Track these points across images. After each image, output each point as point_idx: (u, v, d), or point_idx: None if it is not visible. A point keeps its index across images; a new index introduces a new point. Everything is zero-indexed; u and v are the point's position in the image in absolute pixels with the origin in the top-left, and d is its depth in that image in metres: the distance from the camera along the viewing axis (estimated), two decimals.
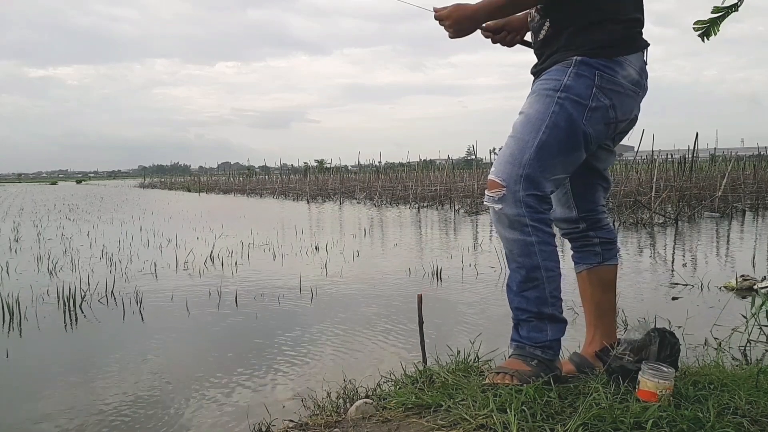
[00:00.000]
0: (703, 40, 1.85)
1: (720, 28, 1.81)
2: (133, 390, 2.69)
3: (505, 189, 1.71)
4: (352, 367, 2.87)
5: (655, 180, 11.39)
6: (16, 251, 7.69)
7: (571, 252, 2.06)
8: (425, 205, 16.03)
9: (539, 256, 1.73)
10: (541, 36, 1.84)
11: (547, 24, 1.81)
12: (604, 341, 1.91)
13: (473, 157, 17.36)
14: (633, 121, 1.84)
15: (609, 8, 1.74)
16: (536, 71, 1.87)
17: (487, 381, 1.70)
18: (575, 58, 1.73)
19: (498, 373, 1.70)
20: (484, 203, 1.79)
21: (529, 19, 1.91)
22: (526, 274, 1.74)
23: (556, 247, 1.79)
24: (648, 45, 1.80)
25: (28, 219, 13.67)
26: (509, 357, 1.78)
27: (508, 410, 1.44)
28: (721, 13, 1.77)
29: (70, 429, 2.31)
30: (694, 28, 1.85)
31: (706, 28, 1.82)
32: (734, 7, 1.74)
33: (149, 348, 3.40)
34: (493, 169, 1.78)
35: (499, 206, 1.72)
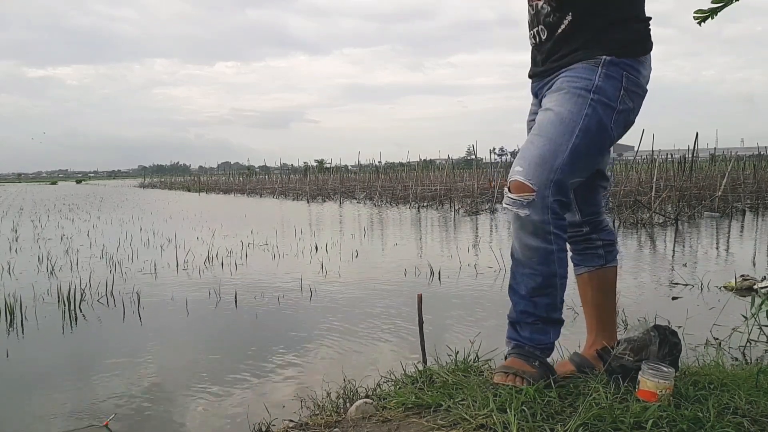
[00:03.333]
0: (699, 24, 1.86)
1: (718, 14, 1.81)
2: (133, 390, 2.68)
3: (535, 194, 1.61)
4: (352, 367, 2.87)
5: (655, 180, 11.39)
6: (16, 251, 7.69)
7: (571, 254, 1.97)
8: (425, 205, 16.02)
9: (557, 265, 1.68)
10: (559, 31, 1.73)
11: (569, 18, 1.72)
12: (606, 343, 1.89)
13: (473, 157, 17.36)
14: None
15: (632, 6, 1.72)
16: (551, 68, 1.78)
17: (495, 380, 1.68)
18: (604, 57, 1.67)
19: (505, 373, 1.67)
20: (505, 206, 1.67)
21: (533, 12, 1.81)
22: (542, 281, 1.68)
23: (567, 253, 1.77)
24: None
25: (28, 219, 13.67)
26: (509, 356, 1.75)
27: (508, 410, 1.44)
28: (720, 4, 1.77)
29: (70, 429, 2.31)
30: (694, 17, 1.85)
31: (706, 17, 1.82)
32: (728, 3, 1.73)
33: (149, 348, 3.40)
34: (519, 169, 1.65)
35: (526, 212, 1.62)
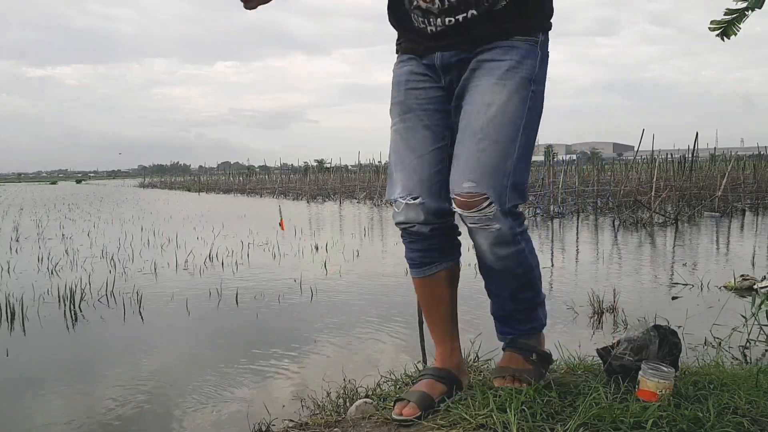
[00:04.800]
0: (723, 40, 1.85)
1: (741, 27, 1.80)
2: (133, 389, 2.69)
3: (495, 206, 1.46)
4: (352, 367, 2.87)
5: (655, 180, 11.39)
6: (16, 251, 7.70)
7: (422, 254, 1.67)
8: None
9: (531, 259, 1.60)
10: (503, 4, 1.47)
11: None
12: (457, 349, 1.74)
13: None
14: None
15: None
16: (478, 36, 1.50)
17: (495, 384, 1.64)
18: (540, 36, 1.53)
19: (503, 377, 1.64)
20: (472, 226, 1.50)
21: None
22: (524, 280, 1.61)
23: None
24: None
25: (29, 218, 13.67)
26: (504, 350, 1.71)
27: (508, 410, 1.44)
28: (735, 15, 1.77)
29: (70, 428, 2.31)
30: (710, 29, 1.84)
31: (724, 29, 1.81)
32: (747, 10, 1.73)
33: (149, 347, 3.40)
34: (471, 184, 1.46)
35: (497, 226, 1.48)
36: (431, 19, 1.53)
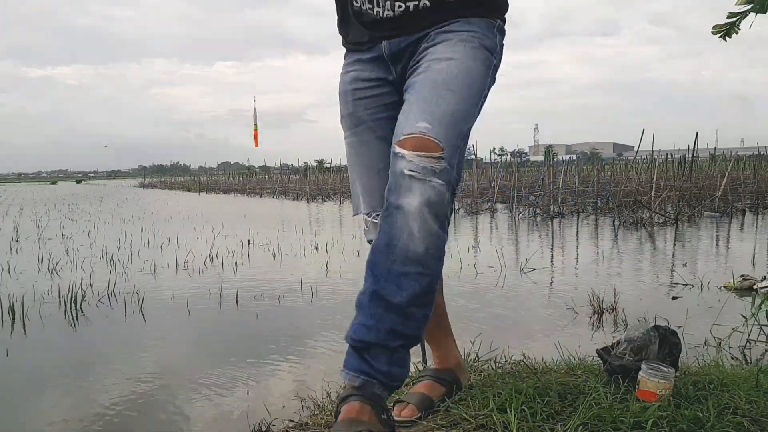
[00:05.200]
0: (724, 39, 1.86)
1: (740, 27, 1.82)
2: (133, 389, 2.69)
3: (445, 160, 1.25)
4: None
5: (655, 180, 11.40)
6: (16, 251, 7.70)
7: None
8: None
9: (442, 259, 1.32)
10: None
11: None
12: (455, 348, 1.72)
13: (473, 156, 17.34)
14: None
15: None
16: (432, 20, 1.38)
17: None
18: (499, 21, 1.45)
19: None
20: (410, 172, 1.23)
21: None
22: (429, 284, 1.28)
23: None
24: None
25: (29, 218, 13.67)
26: (349, 398, 1.28)
27: (508, 410, 1.44)
28: (736, 18, 1.78)
29: (70, 428, 2.31)
30: (713, 32, 1.86)
31: (726, 30, 1.82)
32: (749, 12, 1.74)
33: (149, 347, 3.40)
34: (426, 125, 1.26)
35: (438, 182, 1.23)
36: (380, 0, 1.39)
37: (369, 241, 1.53)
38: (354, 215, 1.59)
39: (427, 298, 1.30)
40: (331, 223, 11.62)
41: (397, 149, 1.27)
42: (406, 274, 1.25)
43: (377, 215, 1.46)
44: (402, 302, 1.26)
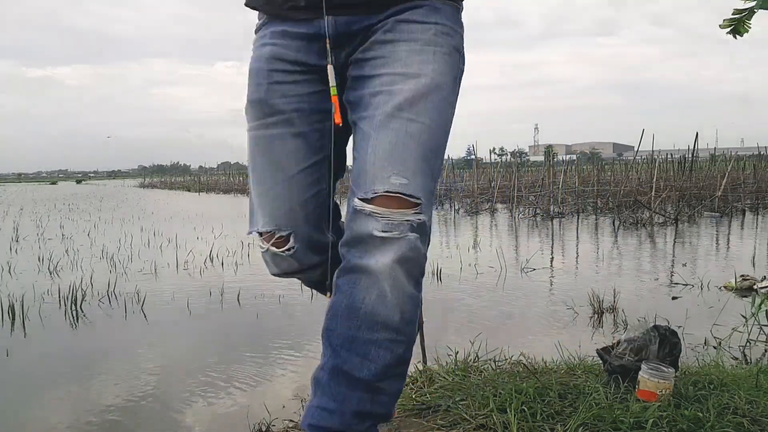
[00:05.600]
0: (735, 37, 1.86)
1: (752, 24, 1.81)
2: (134, 389, 2.69)
3: (423, 213, 1.05)
4: None
5: (655, 180, 11.40)
6: (16, 251, 7.70)
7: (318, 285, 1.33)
8: None
9: (417, 322, 1.12)
10: None
11: None
12: None
13: (473, 157, 17.36)
14: None
15: None
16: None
17: None
18: (461, 5, 1.17)
19: None
20: (381, 234, 1.02)
21: None
22: (404, 351, 1.08)
23: None
24: None
25: (29, 218, 13.67)
26: None
27: (508, 410, 1.44)
28: (744, 13, 1.78)
29: (70, 428, 2.31)
30: (721, 26, 1.85)
31: (734, 26, 1.82)
32: (757, 8, 1.74)
33: (149, 347, 3.40)
34: (403, 180, 1.03)
35: (414, 235, 1.03)
36: None
37: (274, 275, 1.25)
38: (249, 232, 1.22)
39: (401, 369, 1.08)
40: None
41: (366, 208, 1.03)
42: (374, 342, 1.03)
43: (280, 235, 1.16)
44: (370, 377, 1.03)
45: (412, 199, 1.03)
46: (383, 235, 1.02)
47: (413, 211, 1.03)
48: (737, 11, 1.77)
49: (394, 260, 1.03)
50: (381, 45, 1.09)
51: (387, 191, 1.02)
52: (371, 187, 1.04)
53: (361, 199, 1.05)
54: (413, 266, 1.05)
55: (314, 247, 1.21)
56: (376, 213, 1.03)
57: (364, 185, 1.05)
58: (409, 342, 1.09)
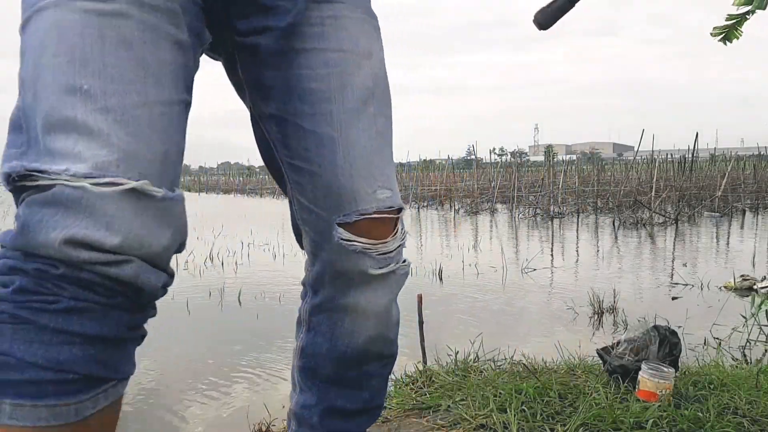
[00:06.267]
0: (725, 44, 1.86)
1: (743, 30, 1.81)
2: (134, 389, 2.69)
3: (402, 222, 0.89)
4: None
5: (655, 180, 11.41)
6: None
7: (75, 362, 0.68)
8: (425, 205, 16.03)
9: None
10: None
11: None
12: None
13: (473, 157, 17.37)
14: None
15: None
16: None
17: None
18: None
19: None
20: (377, 271, 0.85)
21: None
22: (394, 359, 1.01)
23: None
24: None
25: None
26: None
27: (508, 410, 1.44)
28: (736, 20, 1.78)
29: None
30: (712, 34, 1.85)
31: (726, 33, 1.82)
32: (749, 14, 1.74)
33: (149, 347, 3.40)
34: (387, 192, 0.83)
35: (407, 263, 0.92)
36: None
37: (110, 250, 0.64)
38: (28, 168, 0.63)
39: (377, 406, 0.99)
40: None
41: (356, 243, 0.82)
42: (367, 374, 0.94)
43: (139, 184, 0.63)
44: (365, 402, 0.95)
45: (398, 213, 0.86)
46: (380, 272, 0.85)
47: (401, 227, 0.87)
48: (731, 17, 1.77)
49: (392, 299, 0.91)
50: (315, 4, 0.79)
51: (378, 211, 0.82)
52: (354, 207, 0.81)
53: (343, 226, 0.81)
54: (400, 288, 0.92)
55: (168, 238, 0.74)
56: (369, 249, 0.82)
57: (340, 205, 0.81)
58: (397, 346, 0.99)
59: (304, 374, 0.96)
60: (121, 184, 0.62)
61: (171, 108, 0.69)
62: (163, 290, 0.79)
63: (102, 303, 0.64)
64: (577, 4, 1.04)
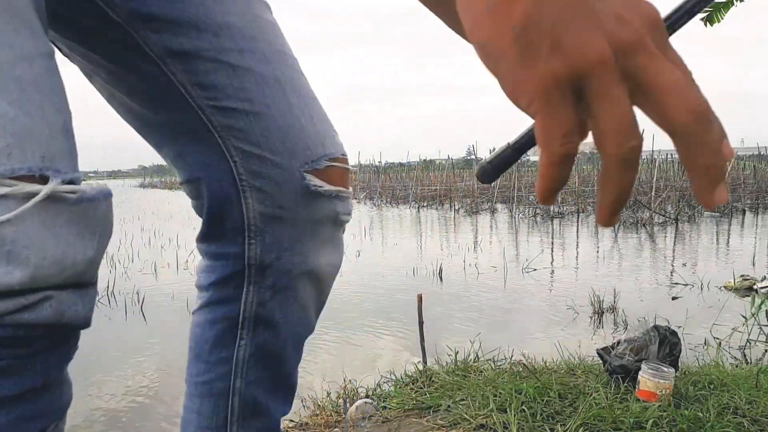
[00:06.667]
0: (705, 26, 1.86)
1: (725, 17, 1.81)
2: (134, 389, 2.69)
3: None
4: (352, 367, 2.87)
5: (655, 180, 11.40)
6: None
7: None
8: (425, 204, 16.03)
9: None
10: None
11: None
12: None
13: (473, 156, 17.38)
14: None
15: None
16: None
17: None
18: None
19: None
20: (344, 217, 0.80)
21: None
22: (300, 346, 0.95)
23: None
24: None
25: None
26: None
27: (508, 410, 1.44)
28: (722, 3, 1.78)
29: (69, 428, 2.31)
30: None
31: (709, 14, 1.82)
32: (731, 3, 1.74)
33: (150, 347, 3.40)
34: (339, 137, 0.77)
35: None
36: None
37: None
38: None
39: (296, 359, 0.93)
40: None
41: (324, 186, 0.73)
42: (304, 329, 0.89)
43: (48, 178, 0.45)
44: (288, 370, 0.90)
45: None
46: (348, 219, 0.80)
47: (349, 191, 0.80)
48: (715, 5, 1.77)
49: (340, 252, 0.84)
50: None
51: (343, 155, 0.76)
52: (322, 151, 0.72)
53: (312, 173, 0.71)
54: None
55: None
56: (336, 191, 0.74)
57: (306, 149, 0.71)
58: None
59: (249, 399, 0.79)
60: (30, 193, 0.42)
61: (51, 62, 0.49)
62: (91, 312, 0.55)
63: (19, 356, 0.46)
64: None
